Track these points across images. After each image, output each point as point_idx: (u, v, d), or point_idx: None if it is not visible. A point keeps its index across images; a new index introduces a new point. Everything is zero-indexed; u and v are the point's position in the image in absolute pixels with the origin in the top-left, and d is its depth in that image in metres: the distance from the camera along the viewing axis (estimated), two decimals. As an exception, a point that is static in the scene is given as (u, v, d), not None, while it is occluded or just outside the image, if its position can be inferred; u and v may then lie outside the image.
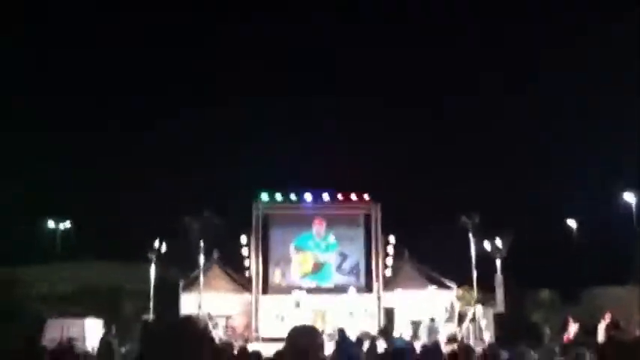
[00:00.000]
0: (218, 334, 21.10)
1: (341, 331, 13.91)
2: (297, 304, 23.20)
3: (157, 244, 21.76)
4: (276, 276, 25.78)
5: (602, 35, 33.22)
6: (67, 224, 35.90)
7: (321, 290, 25.08)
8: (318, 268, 25.91)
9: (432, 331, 20.36)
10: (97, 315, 21.83)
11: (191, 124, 36.54)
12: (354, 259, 26.12)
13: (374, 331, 22.62)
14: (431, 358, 10.51)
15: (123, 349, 16.33)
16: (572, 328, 19.52)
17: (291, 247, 25.97)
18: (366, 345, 14.40)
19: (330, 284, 25.67)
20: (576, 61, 34.83)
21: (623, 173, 30.82)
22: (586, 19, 34.05)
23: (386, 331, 16.01)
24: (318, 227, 26.03)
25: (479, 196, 28.16)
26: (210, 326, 21.69)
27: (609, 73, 34.20)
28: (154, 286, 20.67)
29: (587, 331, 19.21)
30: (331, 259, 26.03)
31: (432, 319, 21.79)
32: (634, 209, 31.18)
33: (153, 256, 21.45)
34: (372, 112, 37.69)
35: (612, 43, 33.24)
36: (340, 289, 24.81)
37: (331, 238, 26.06)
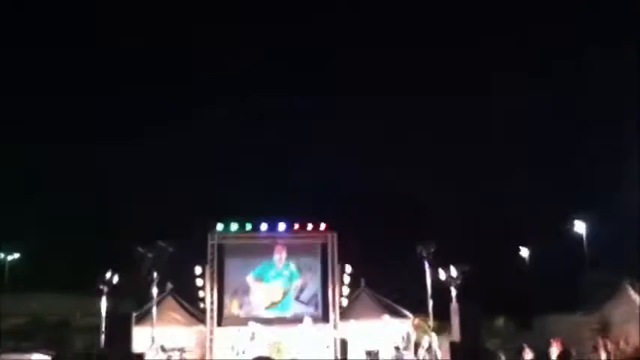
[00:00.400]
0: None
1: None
2: (253, 336, 22.81)
3: (108, 275, 21.25)
4: (233, 307, 25.45)
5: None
6: (16, 255, 35.05)
7: (276, 321, 24.79)
8: (283, 298, 25.64)
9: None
10: (47, 349, 21.31)
11: (147, 152, 36.09)
12: (313, 288, 25.99)
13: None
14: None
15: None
16: (528, 357, 19.77)
17: (250, 277, 25.64)
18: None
19: (288, 314, 25.41)
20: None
21: (575, 203, 31.45)
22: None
23: None
24: (279, 255, 25.82)
25: (434, 226, 28.36)
26: (165, 358, 21.33)
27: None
28: (105, 319, 20.12)
29: (540, 358, 19.50)
30: (292, 288, 25.77)
31: (397, 348, 21.89)
32: (584, 239, 31.78)
33: (104, 288, 20.89)
34: (329, 141, 37.77)
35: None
36: (296, 320, 24.58)
37: (292, 267, 25.88)
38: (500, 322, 24.62)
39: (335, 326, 24.78)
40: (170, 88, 37.91)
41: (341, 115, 38.10)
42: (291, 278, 25.86)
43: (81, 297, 25.02)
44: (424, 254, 22.07)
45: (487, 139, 37.34)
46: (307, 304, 25.79)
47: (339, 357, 23.74)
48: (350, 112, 38.28)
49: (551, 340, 19.30)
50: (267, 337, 23.40)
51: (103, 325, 19.88)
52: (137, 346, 20.28)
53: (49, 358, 21.17)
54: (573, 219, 31.75)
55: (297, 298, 25.84)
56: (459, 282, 21.11)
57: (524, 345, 20.38)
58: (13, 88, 34.56)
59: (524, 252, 35.17)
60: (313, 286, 25.99)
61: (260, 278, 25.71)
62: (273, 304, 25.57)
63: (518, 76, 35.69)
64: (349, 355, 23.18)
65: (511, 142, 37.09)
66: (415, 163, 36.19)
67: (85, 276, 23.36)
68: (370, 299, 26.27)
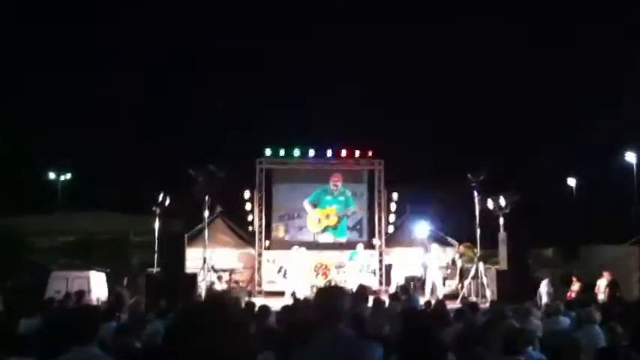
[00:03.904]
0: (222, 287, 21.30)
1: (362, 287, 13.88)
2: (296, 259, 22.94)
3: (161, 196, 21.62)
4: (279, 231, 25.80)
5: None
6: (68, 176, 35.94)
7: (323, 246, 25.07)
8: (338, 223, 25.80)
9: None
10: (101, 267, 22.00)
11: (198, 76, 36.20)
12: (358, 215, 26.08)
13: (375, 287, 23.00)
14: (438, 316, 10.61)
15: (130, 301, 16.38)
16: (575, 287, 19.79)
17: (306, 203, 25.76)
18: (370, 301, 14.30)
19: (343, 240, 25.65)
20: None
21: (625, 133, 30.85)
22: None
23: (406, 290, 15.89)
24: (335, 181, 25.82)
25: (484, 155, 28.09)
26: (215, 279, 21.89)
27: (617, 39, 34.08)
28: (158, 239, 20.63)
29: (587, 289, 19.50)
30: (347, 214, 25.88)
31: (445, 278, 22.19)
32: (634, 169, 31.32)
33: (157, 209, 21.31)
34: (378, 69, 37.37)
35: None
36: (348, 245, 24.85)
37: (348, 193, 25.87)
38: (547, 252, 24.58)
39: (381, 253, 25.01)
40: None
41: (389, 42, 37.50)
42: (347, 204, 25.85)
43: (133, 217, 25.66)
44: (473, 182, 21.95)
45: (538, 67, 36.53)
46: (351, 229, 25.98)
47: (384, 282, 24.15)
48: (399, 38, 37.62)
49: (603, 272, 19.22)
50: (311, 260, 23.65)
51: (157, 244, 20.43)
52: (188, 267, 20.87)
53: (104, 274, 21.82)
54: (624, 149, 31.23)
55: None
56: (507, 211, 21.03)
57: (573, 276, 20.37)
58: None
59: (573, 182, 34.90)
60: (359, 212, 26.08)
61: (315, 203, 25.75)
62: (327, 228, 25.70)
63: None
64: (393, 281, 23.47)
65: (561, 71, 36.24)
66: (465, 90, 35.65)
67: (137, 197, 23.92)
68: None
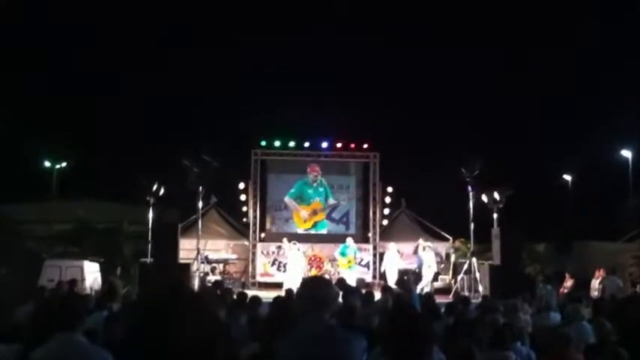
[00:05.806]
0: (216, 278, 21.26)
1: (341, 280, 13.98)
2: (293, 251, 22.87)
3: (155, 186, 21.57)
4: (268, 223, 25.76)
5: None
6: (63, 164, 35.90)
7: (314, 239, 24.99)
8: (324, 217, 25.67)
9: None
10: (95, 256, 21.95)
11: (193, 68, 36.06)
12: (344, 208, 25.94)
13: (368, 280, 23.02)
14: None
15: (123, 291, 16.37)
16: (568, 283, 19.88)
17: (288, 199, 25.59)
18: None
19: (325, 231, 25.58)
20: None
21: (621, 130, 30.89)
22: None
23: (405, 284, 15.76)
24: (313, 174, 25.62)
25: (478, 149, 28.04)
26: (209, 269, 21.88)
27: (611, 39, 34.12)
28: (152, 228, 20.59)
29: (579, 285, 19.57)
30: (327, 206, 25.73)
31: (437, 273, 22.14)
32: (630, 166, 31.35)
33: (151, 199, 21.25)
34: (373, 61, 37.29)
35: None
36: (333, 238, 24.77)
37: (324, 183, 25.63)
38: (540, 247, 24.58)
39: (375, 247, 24.99)
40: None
41: (387, 38, 37.40)
42: (326, 195, 25.71)
43: (127, 206, 25.56)
44: (467, 177, 21.94)
45: (536, 61, 36.51)
46: (338, 222, 25.86)
47: (377, 275, 24.12)
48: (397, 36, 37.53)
49: (596, 270, 19.32)
50: (307, 253, 23.59)
51: (150, 234, 20.39)
52: (183, 256, 20.86)
53: (98, 264, 21.78)
54: (620, 146, 31.27)
55: (327, 217, 25.82)
56: (501, 206, 21.03)
57: (566, 273, 20.49)
58: None
59: (568, 177, 34.96)
60: (346, 205, 25.90)
61: (299, 200, 25.60)
62: (314, 224, 25.59)
63: None
64: (386, 274, 23.39)
65: (558, 66, 36.21)
66: (462, 82, 35.59)
67: (132, 186, 23.83)
68: (410, 221, 26.37)
